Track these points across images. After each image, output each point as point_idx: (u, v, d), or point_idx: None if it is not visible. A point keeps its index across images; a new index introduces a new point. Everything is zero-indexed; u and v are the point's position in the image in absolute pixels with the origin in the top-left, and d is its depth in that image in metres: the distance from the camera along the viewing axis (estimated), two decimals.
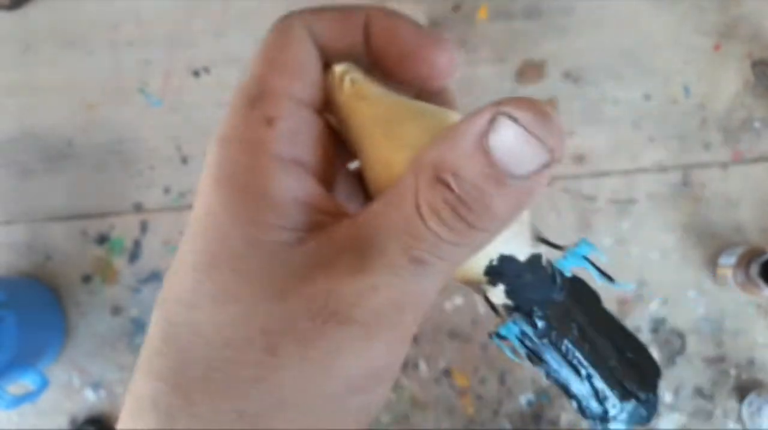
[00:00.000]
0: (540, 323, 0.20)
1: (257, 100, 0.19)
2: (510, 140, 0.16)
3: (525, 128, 0.16)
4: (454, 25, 0.64)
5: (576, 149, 0.64)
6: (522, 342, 0.20)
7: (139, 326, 0.65)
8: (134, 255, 0.65)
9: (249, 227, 0.17)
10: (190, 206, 0.68)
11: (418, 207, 0.16)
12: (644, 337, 0.62)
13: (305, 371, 0.16)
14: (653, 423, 0.62)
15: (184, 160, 0.65)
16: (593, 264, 0.20)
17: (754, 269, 0.56)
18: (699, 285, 0.63)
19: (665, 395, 0.62)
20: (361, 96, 0.20)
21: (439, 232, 0.16)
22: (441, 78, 0.20)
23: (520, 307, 0.20)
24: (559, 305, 0.20)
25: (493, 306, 0.20)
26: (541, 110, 0.16)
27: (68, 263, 0.65)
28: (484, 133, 0.16)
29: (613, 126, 0.64)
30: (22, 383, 0.59)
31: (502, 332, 0.20)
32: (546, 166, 0.16)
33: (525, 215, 0.20)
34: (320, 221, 0.18)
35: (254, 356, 0.16)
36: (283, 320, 0.16)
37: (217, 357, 0.16)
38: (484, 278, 0.20)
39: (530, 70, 0.64)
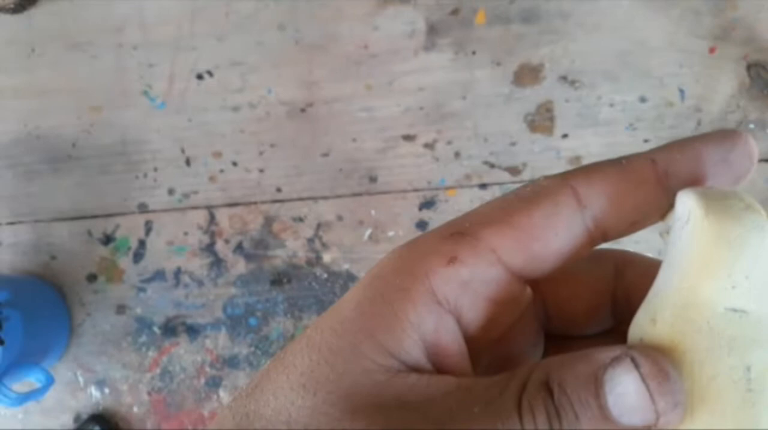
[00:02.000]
0: None
1: (458, 237, 0.18)
2: (625, 384, 0.15)
3: (643, 380, 0.15)
4: (452, 29, 0.65)
5: (572, 151, 0.65)
6: None
7: (143, 325, 0.66)
8: (139, 255, 0.66)
9: (362, 335, 0.17)
10: (193, 207, 0.69)
11: (518, 400, 0.16)
12: None
13: None
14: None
15: (188, 162, 0.66)
16: None
17: None
18: None
19: None
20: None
21: (526, 428, 0.16)
22: None
23: None
24: None
25: None
26: (665, 369, 0.15)
27: (73, 263, 0.66)
28: (605, 366, 0.16)
29: (609, 128, 0.65)
30: (27, 381, 0.60)
31: None
32: (647, 427, 0.15)
33: None
34: (427, 369, 0.18)
35: None
36: None
37: (272, 427, 0.17)
38: None
39: (527, 74, 0.65)
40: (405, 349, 0.17)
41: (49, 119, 0.67)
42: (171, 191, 0.66)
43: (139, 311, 0.66)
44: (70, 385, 0.65)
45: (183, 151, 0.66)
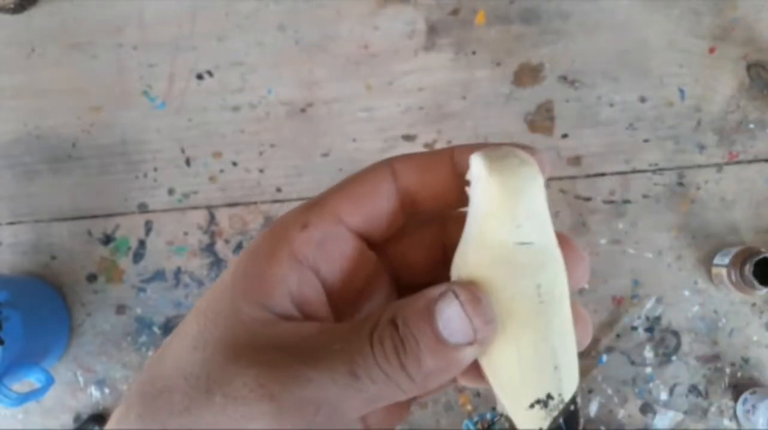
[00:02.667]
0: None
1: (308, 209, 0.23)
2: (449, 311, 0.20)
3: (464, 309, 0.20)
4: (453, 30, 0.65)
5: (572, 151, 0.65)
6: None
7: (143, 325, 0.66)
8: (139, 255, 0.66)
9: (239, 295, 0.21)
10: (193, 207, 0.69)
11: (371, 336, 0.20)
12: (639, 336, 0.63)
13: (219, 422, 0.19)
14: (648, 422, 0.63)
15: (188, 162, 0.66)
16: None
17: (749, 269, 0.57)
18: (694, 285, 0.63)
19: (661, 393, 0.63)
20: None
21: (378, 358, 0.20)
22: None
23: None
24: None
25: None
26: (477, 297, 0.20)
27: (73, 263, 0.66)
28: (435, 300, 0.20)
29: (609, 128, 0.65)
30: (27, 381, 0.60)
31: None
32: (469, 343, 0.20)
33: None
34: (300, 316, 0.22)
35: (195, 393, 0.20)
36: (225, 375, 0.20)
37: (173, 382, 0.20)
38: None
39: (527, 74, 0.65)
40: (275, 302, 0.21)
41: (49, 119, 0.67)
42: (171, 191, 0.66)
43: (139, 311, 0.66)
44: (70, 385, 0.65)
45: (183, 151, 0.66)
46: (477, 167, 0.21)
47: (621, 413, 0.63)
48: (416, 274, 0.25)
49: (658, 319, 0.63)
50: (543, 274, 0.21)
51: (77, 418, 0.65)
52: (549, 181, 0.64)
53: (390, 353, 0.20)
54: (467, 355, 0.20)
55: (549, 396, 0.21)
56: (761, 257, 0.56)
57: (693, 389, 0.63)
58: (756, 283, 0.56)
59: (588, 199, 0.64)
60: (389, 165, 0.23)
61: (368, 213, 0.23)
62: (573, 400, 0.21)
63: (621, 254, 0.64)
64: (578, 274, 0.22)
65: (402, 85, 0.65)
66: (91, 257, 0.66)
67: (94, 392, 0.65)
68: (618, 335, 0.63)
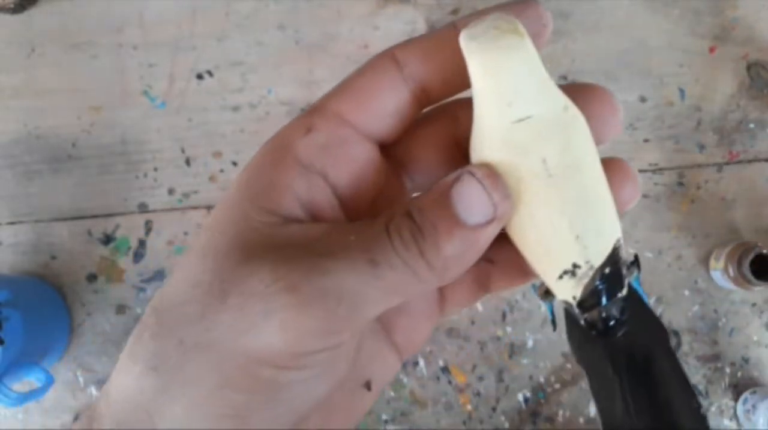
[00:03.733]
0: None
1: (310, 114, 0.22)
2: (466, 192, 0.19)
3: (479, 182, 0.19)
4: None
5: None
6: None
7: None
8: (139, 255, 0.66)
9: (247, 203, 0.20)
10: (194, 207, 0.69)
11: (387, 227, 0.20)
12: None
13: (237, 321, 0.19)
14: None
15: (188, 162, 0.66)
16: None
17: (746, 264, 0.57)
18: (694, 284, 0.63)
19: None
20: None
21: (395, 244, 0.19)
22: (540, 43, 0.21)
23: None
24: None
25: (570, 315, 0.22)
26: (494, 173, 0.20)
27: (73, 263, 0.66)
28: (450, 185, 0.20)
29: None
30: (27, 381, 0.60)
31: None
32: (490, 221, 0.19)
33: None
34: (310, 219, 0.21)
35: (207, 298, 0.19)
36: (238, 275, 0.19)
37: (184, 294, 0.20)
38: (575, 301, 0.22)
39: None
40: (284, 206, 0.20)
41: (49, 119, 0.67)
42: (171, 191, 0.66)
43: (139, 311, 0.66)
44: (70, 385, 0.65)
45: (183, 151, 0.66)
46: (462, 51, 0.19)
47: None
48: (431, 176, 0.24)
49: None
50: (548, 146, 0.20)
51: (77, 418, 0.65)
52: None
53: (408, 240, 0.19)
54: (487, 235, 0.20)
55: (575, 265, 0.21)
56: (758, 253, 0.57)
57: (693, 389, 0.63)
58: (752, 278, 0.57)
59: None
60: (390, 55, 0.21)
61: (374, 110, 0.22)
62: (610, 262, 0.21)
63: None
64: (611, 125, 0.21)
65: None
66: (91, 257, 0.66)
67: (94, 392, 0.65)
68: None
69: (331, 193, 0.21)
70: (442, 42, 0.21)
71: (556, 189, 0.20)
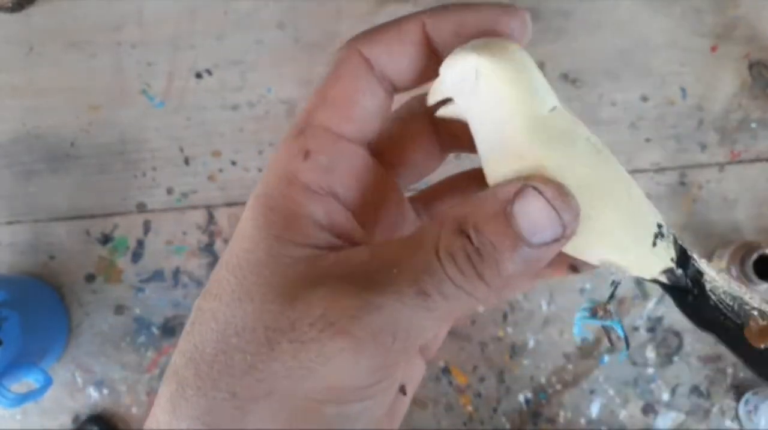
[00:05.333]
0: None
1: (300, 134, 0.21)
2: (532, 210, 0.18)
3: (548, 202, 0.18)
4: None
5: None
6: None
7: (141, 325, 0.65)
8: (137, 255, 0.66)
9: (272, 241, 0.20)
10: (192, 207, 0.69)
11: (437, 250, 0.18)
12: (641, 336, 0.63)
13: (293, 369, 0.18)
14: (650, 422, 0.63)
15: (187, 161, 0.66)
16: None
17: (749, 264, 0.56)
18: None
19: (663, 394, 0.63)
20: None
21: (449, 272, 0.18)
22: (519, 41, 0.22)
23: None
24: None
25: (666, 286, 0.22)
26: (563, 190, 0.18)
27: (72, 263, 0.66)
28: (510, 200, 0.18)
29: (611, 127, 0.64)
30: (25, 382, 0.60)
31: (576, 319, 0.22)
32: (557, 240, 0.18)
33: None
34: (341, 244, 0.21)
35: (254, 347, 0.19)
36: (285, 321, 0.18)
37: (225, 343, 0.19)
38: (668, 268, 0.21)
39: None
40: (311, 237, 0.20)
41: (47, 118, 0.67)
42: (170, 191, 0.66)
43: (137, 311, 0.65)
44: (68, 385, 0.65)
45: (182, 150, 0.66)
46: (472, 63, 0.19)
47: (623, 414, 0.63)
48: (417, 169, 0.24)
49: (659, 319, 0.63)
50: (582, 126, 0.20)
51: (76, 418, 0.65)
52: None
53: (464, 265, 0.18)
54: (552, 252, 0.19)
55: (659, 225, 0.21)
56: (761, 253, 0.56)
57: (695, 389, 0.63)
58: (755, 278, 0.56)
59: None
60: (358, 53, 0.21)
61: (359, 116, 0.21)
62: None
63: None
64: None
65: None
66: (90, 257, 0.66)
67: (93, 392, 0.65)
68: (619, 337, 0.63)
69: (343, 208, 0.21)
70: (407, 36, 0.21)
71: (608, 161, 0.20)
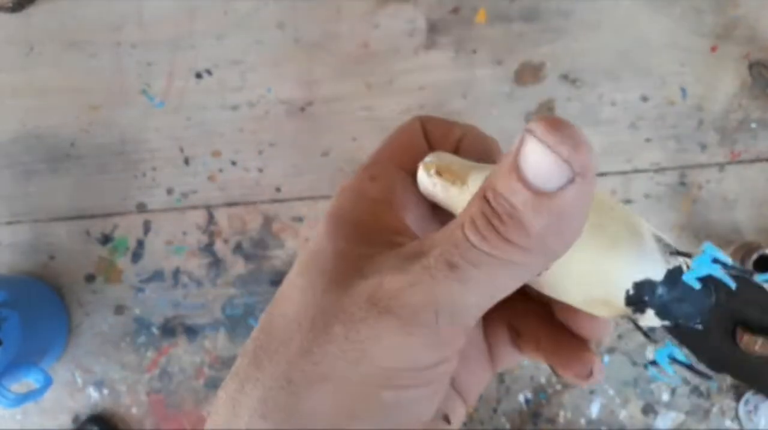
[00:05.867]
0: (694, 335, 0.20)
1: (368, 167, 0.25)
2: (533, 156, 0.17)
3: (545, 144, 0.16)
4: (453, 28, 0.65)
5: None
6: (680, 362, 0.20)
7: (141, 325, 0.65)
8: (137, 255, 0.66)
9: (339, 241, 0.22)
10: (192, 207, 0.69)
11: (463, 221, 0.18)
12: (641, 337, 0.63)
13: (347, 351, 0.19)
14: (650, 422, 0.63)
15: (187, 162, 0.66)
16: (725, 265, 0.20)
17: (749, 264, 0.56)
18: None
19: (663, 394, 0.63)
20: (448, 180, 0.24)
21: (472, 239, 0.18)
22: None
23: (679, 323, 0.20)
24: (721, 307, 0.20)
25: (646, 333, 0.20)
26: (560, 125, 0.16)
27: (71, 263, 0.66)
28: (517, 151, 0.17)
29: (611, 127, 0.64)
30: (25, 382, 0.60)
31: (656, 357, 0.20)
32: (570, 181, 0.16)
33: (646, 233, 0.20)
34: (399, 242, 0.22)
35: (311, 332, 0.19)
36: (340, 306, 0.19)
37: (287, 334, 0.20)
38: (629, 310, 0.20)
39: (528, 72, 0.65)
40: (375, 237, 0.22)
41: (47, 118, 0.67)
42: (170, 191, 0.66)
43: (137, 311, 0.65)
44: (68, 385, 0.65)
45: (182, 150, 0.66)
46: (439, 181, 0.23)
47: (623, 414, 0.63)
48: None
49: None
50: None
51: (76, 419, 0.65)
52: None
53: (485, 229, 0.17)
54: (573, 196, 0.17)
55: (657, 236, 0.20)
56: (761, 253, 0.56)
57: (695, 389, 0.63)
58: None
59: None
60: (419, 121, 0.26)
61: (413, 156, 0.25)
62: None
63: None
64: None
65: (402, 84, 0.65)
66: (90, 257, 0.66)
67: (93, 392, 0.65)
68: (619, 336, 0.63)
69: (402, 219, 0.23)
70: (452, 136, 0.26)
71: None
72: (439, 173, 0.23)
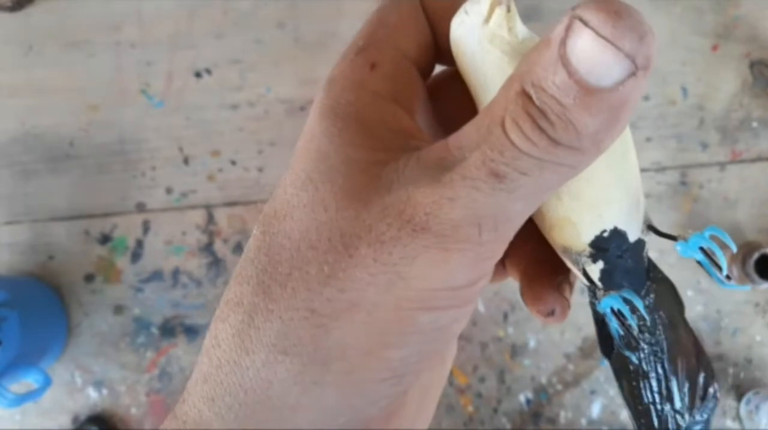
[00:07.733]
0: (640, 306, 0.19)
1: (363, 50, 0.20)
2: (585, 48, 0.14)
3: (597, 33, 0.14)
4: None
5: None
6: (620, 320, 0.20)
7: (141, 326, 0.65)
8: (136, 255, 0.65)
9: (345, 147, 0.18)
10: (192, 207, 0.69)
11: (502, 120, 0.16)
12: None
13: (377, 275, 0.17)
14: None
15: (186, 161, 0.66)
16: (710, 258, 0.20)
17: (750, 264, 0.56)
18: (697, 284, 0.63)
19: None
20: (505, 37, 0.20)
21: (519, 144, 0.15)
22: None
23: (608, 291, 0.20)
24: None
25: (589, 279, 0.20)
26: (616, 11, 0.14)
27: (71, 263, 0.66)
28: (563, 41, 0.15)
29: None
30: (24, 382, 0.60)
31: (604, 303, 0.20)
32: (631, 74, 0.14)
33: (641, 199, 0.20)
34: (414, 145, 0.19)
35: (332, 256, 0.17)
36: (362, 224, 0.17)
37: (300, 258, 0.17)
38: (587, 249, 0.19)
39: None
40: (384, 140, 0.19)
41: (46, 118, 0.67)
42: (169, 191, 0.66)
43: (137, 311, 0.65)
44: (67, 386, 0.65)
45: (181, 149, 0.66)
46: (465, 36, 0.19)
47: (623, 414, 0.63)
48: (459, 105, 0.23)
49: None
50: None
51: (75, 419, 0.64)
52: None
53: (532, 132, 0.15)
54: (632, 91, 0.15)
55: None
56: (762, 253, 0.56)
57: None
58: (757, 277, 0.56)
59: None
60: None
61: (414, 38, 0.21)
62: None
63: None
64: None
65: None
66: (89, 257, 0.66)
67: (92, 392, 0.65)
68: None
69: (408, 115, 0.20)
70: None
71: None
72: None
